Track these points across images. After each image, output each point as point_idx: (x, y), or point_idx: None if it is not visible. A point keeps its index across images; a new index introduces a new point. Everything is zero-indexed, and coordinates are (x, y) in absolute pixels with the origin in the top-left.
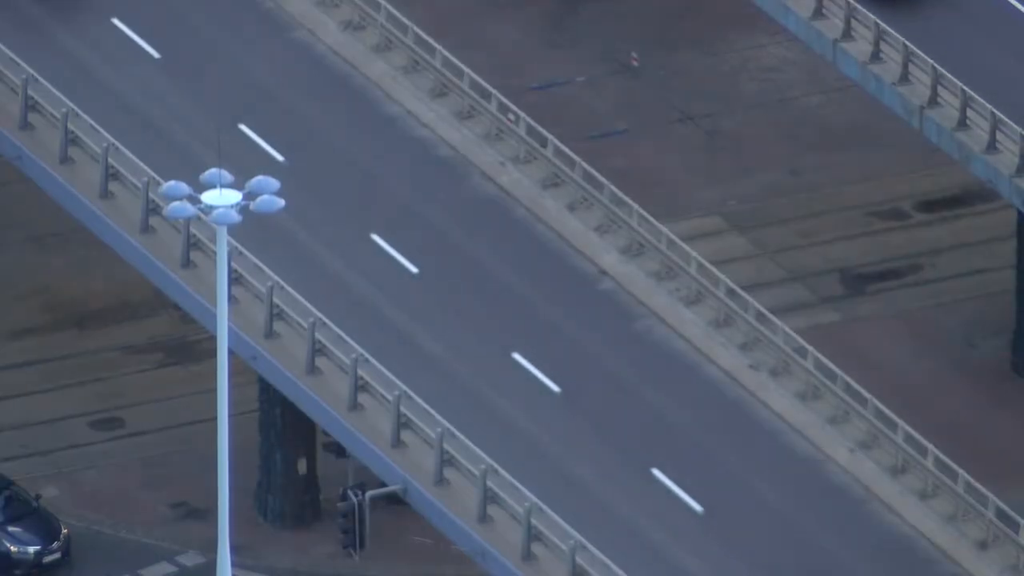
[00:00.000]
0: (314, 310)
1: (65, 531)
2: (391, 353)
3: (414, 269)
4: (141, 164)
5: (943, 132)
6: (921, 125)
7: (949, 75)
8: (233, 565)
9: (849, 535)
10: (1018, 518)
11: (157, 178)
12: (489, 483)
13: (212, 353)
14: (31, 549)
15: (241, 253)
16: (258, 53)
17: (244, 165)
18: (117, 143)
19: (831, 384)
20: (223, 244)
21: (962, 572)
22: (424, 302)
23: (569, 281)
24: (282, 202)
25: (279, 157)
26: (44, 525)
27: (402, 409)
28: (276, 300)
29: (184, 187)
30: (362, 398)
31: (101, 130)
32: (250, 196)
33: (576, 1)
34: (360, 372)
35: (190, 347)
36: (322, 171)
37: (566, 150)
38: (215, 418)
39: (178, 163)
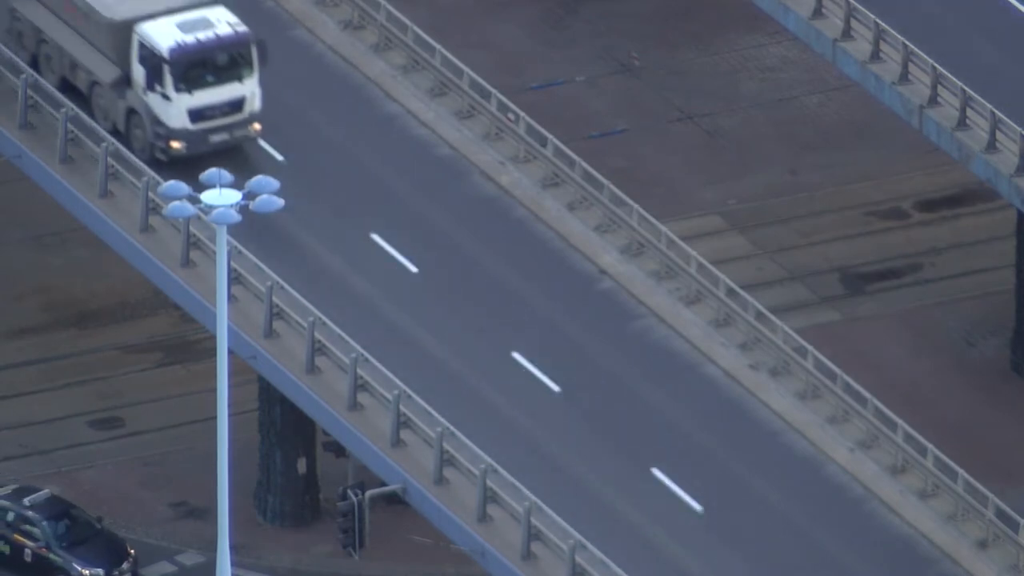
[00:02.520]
0: (314, 309)
1: (132, 551)
2: (391, 352)
3: (414, 269)
4: (141, 164)
5: (943, 132)
6: (921, 125)
7: (949, 75)
8: (233, 565)
9: (849, 535)
10: (1018, 518)
11: (157, 178)
12: (489, 482)
13: (212, 352)
14: (102, 572)
15: (241, 252)
16: None
17: (244, 165)
18: (116, 142)
19: (831, 384)
20: (223, 244)
21: (962, 572)
22: (424, 302)
23: (569, 281)
24: (282, 202)
25: (279, 157)
26: (110, 546)
27: (402, 408)
28: (276, 299)
29: (184, 187)
30: (362, 397)
31: (100, 129)
32: (250, 196)
33: (576, 1)
34: (360, 371)
35: (190, 347)
36: (322, 171)
37: (566, 150)
38: (215, 418)
39: (178, 162)
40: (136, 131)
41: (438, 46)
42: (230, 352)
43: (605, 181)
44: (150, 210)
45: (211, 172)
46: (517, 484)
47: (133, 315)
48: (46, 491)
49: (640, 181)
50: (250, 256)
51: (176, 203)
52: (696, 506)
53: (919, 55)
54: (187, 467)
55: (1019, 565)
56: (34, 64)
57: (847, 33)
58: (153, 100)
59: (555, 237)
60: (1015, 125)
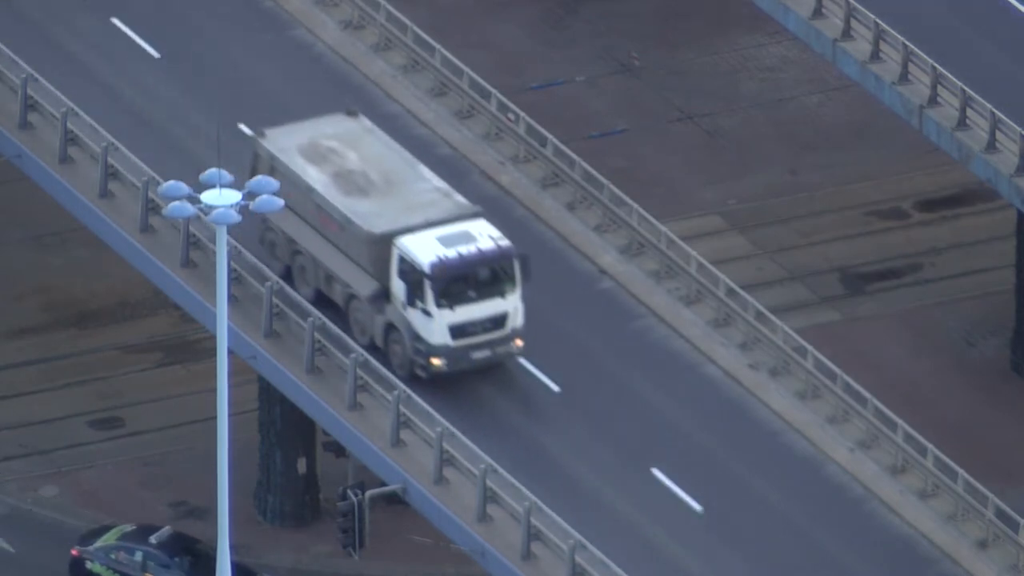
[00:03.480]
0: (314, 310)
1: None
2: None
3: None
4: (141, 164)
5: (943, 131)
6: (921, 124)
7: (949, 75)
8: (233, 565)
9: (849, 535)
10: (1018, 518)
11: (157, 177)
12: (488, 482)
13: (211, 352)
14: None
15: (241, 252)
16: (258, 52)
17: (244, 164)
18: (117, 143)
19: (831, 384)
20: (223, 244)
21: (962, 572)
22: None
23: (569, 281)
24: (282, 202)
25: None
26: None
27: (402, 408)
28: (275, 300)
29: (184, 187)
30: (362, 397)
31: (101, 130)
32: (250, 196)
33: (576, 1)
34: (359, 371)
35: (190, 347)
36: None
37: (566, 150)
38: (215, 417)
39: (178, 163)
40: (395, 347)
41: (438, 46)
42: (230, 352)
43: (605, 181)
44: (150, 210)
45: (211, 172)
46: (517, 484)
47: (133, 315)
48: (167, 528)
49: (640, 181)
50: (250, 256)
51: (176, 203)
52: (696, 506)
53: (919, 55)
54: (187, 467)
55: (1019, 565)
56: (287, 275)
57: (847, 33)
58: (413, 316)
59: (555, 237)
60: (1015, 125)
